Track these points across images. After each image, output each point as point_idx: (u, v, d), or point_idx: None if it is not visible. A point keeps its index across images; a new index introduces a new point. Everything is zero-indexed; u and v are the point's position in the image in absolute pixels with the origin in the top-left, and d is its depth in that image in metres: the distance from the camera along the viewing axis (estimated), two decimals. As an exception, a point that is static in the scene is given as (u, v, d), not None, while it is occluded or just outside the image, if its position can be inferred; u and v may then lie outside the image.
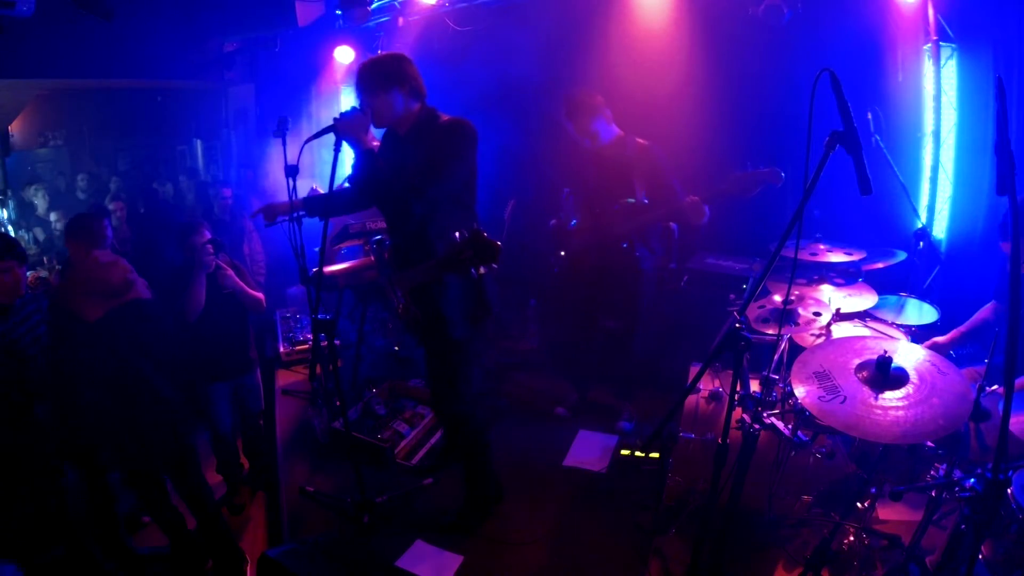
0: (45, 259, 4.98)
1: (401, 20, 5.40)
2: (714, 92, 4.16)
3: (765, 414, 2.34)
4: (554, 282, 3.67)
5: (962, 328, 2.89)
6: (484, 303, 2.58)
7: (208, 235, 3.31)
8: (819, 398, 2.07)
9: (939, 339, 2.91)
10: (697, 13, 4.24)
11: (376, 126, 2.46)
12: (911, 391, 2.02)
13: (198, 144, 7.98)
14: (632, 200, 3.19)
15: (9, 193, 6.42)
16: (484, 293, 2.58)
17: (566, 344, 3.78)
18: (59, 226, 5.94)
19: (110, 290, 2.84)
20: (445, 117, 2.46)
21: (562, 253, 3.54)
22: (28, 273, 3.35)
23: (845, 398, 2.04)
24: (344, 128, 2.28)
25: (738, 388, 2.16)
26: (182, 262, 3.31)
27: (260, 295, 3.50)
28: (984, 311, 2.88)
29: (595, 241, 3.32)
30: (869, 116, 3.49)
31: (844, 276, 3.26)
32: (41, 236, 6.13)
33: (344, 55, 5.74)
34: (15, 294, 2.62)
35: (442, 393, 2.69)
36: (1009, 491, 1.80)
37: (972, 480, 1.73)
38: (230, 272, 3.33)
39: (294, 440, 3.59)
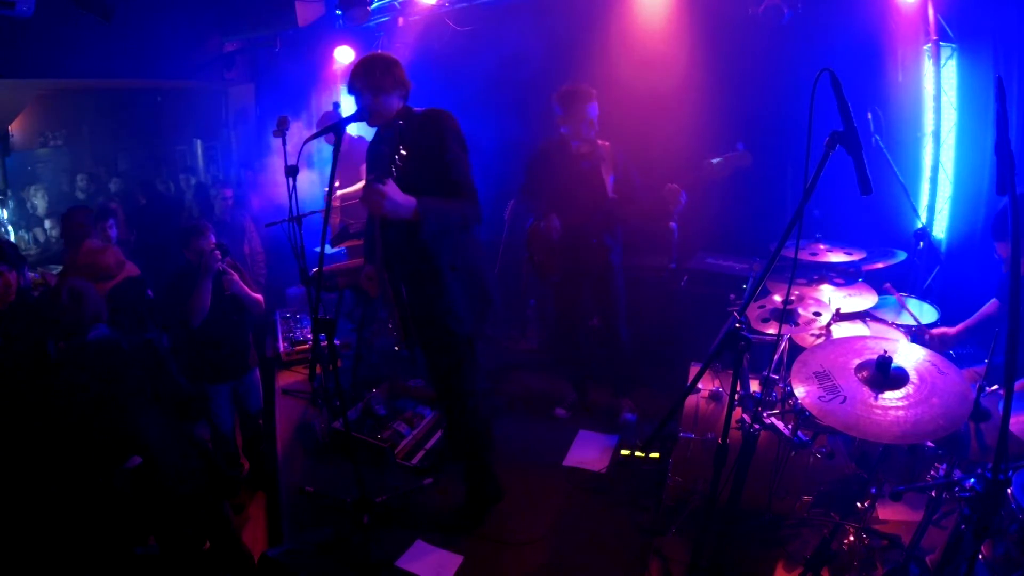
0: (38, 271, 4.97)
1: (401, 20, 5.40)
2: (714, 91, 4.16)
3: (765, 414, 2.34)
4: (545, 284, 3.70)
5: (968, 322, 2.92)
6: (485, 295, 2.59)
7: (213, 239, 3.32)
8: (819, 398, 2.06)
9: (948, 329, 2.93)
10: (697, 13, 4.24)
11: (370, 124, 2.47)
12: (911, 391, 2.02)
13: (198, 144, 7.98)
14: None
15: (9, 193, 6.42)
16: (484, 284, 2.59)
17: (560, 344, 3.80)
18: (54, 233, 5.96)
19: (105, 272, 3.26)
20: (418, 109, 2.47)
21: (532, 256, 3.56)
22: (29, 274, 3.34)
23: (845, 398, 2.04)
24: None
25: (738, 388, 2.16)
26: (185, 264, 3.31)
27: (259, 296, 3.51)
28: (988, 306, 2.90)
29: (562, 241, 3.33)
30: (869, 116, 3.49)
31: (844, 276, 3.26)
32: (41, 237, 6.14)
33: (344, 55, 5.74)
34: (4, 300, 2.61)
35: (446, 389, 2.69)
36: (1009, 491, 1.80)
37: (972, 480, 1.73)
38: (235, 277, 3.34)
39: (294, 440, 3.59)
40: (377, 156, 2.56)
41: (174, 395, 2.58)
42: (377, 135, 2.60)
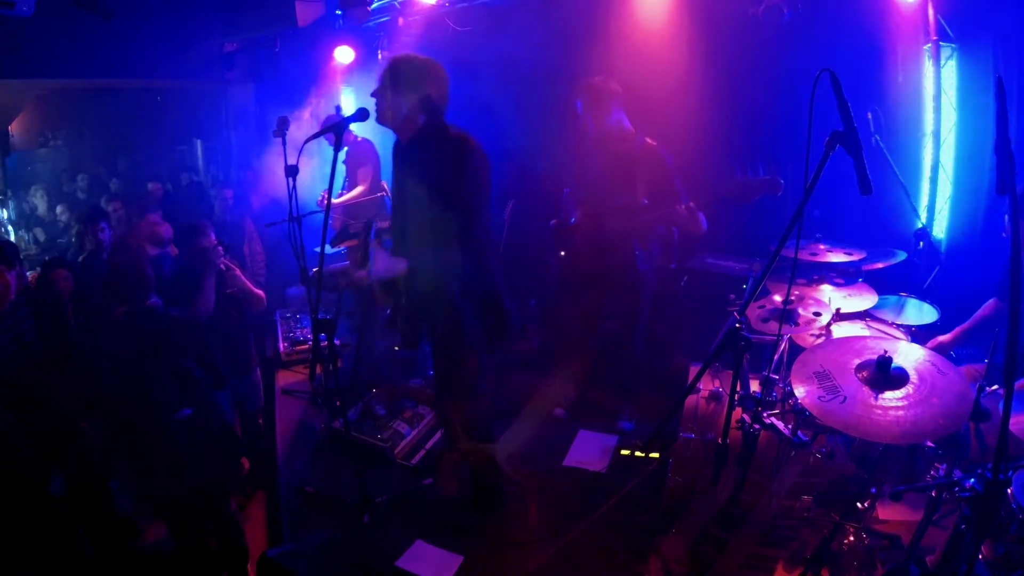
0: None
1: (401, 20, 5.40)
2: (713, 92, 4.16)
3: (765, 414, 2.35)
4: (554, 282, 3.67)
5: (964, 326, 2.90)
6: (500, 319, 2.54)
7: (213, 236, 3.32)
8: (819, 398, 2.07)
9: (943, 338, 2.91)
10: (697, 13, 4.24)
11: (377, 121, 2.44)
12: (911, 391, 2.02)
13: (198, 144, 7.99)
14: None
15: (9, 193, 6.43)
16: (500, 308, 2.53)
17: (566, 344, 3.78)
18: (63, 218, 6.00)
19: (161, 240, 3.61)
20: (454, 132, 2.38)
21: (562, 253, 3.53)
22: (29, 274, 3.35)
23: (845, 398, 2.04)
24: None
25: (738, 388, 2.16)
26: (186, 263, 3.32)
27: (261, 293, 3.53)
28: (986, 308, 2.89)
29: (592, 240, 3.31)
30: (869, 116, 3.49)
31: (844, 276, 3.26)
32: (42, 236, 6.15)
33: (344, 55, 5.75)
34: (3, 300, 2.62)
35: (447, 392, 2.68)
36: (1009, 491, 1.80)
37: (972, 480, 1.73)
38: (238, 272, 3.35)
39: (294, 440, 3.59)
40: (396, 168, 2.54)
41: (208, 365, 2.92)
42: (399, 148, 2.55)
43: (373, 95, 2.39)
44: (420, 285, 2.43)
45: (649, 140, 3.19)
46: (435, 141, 2.37)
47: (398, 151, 2.54)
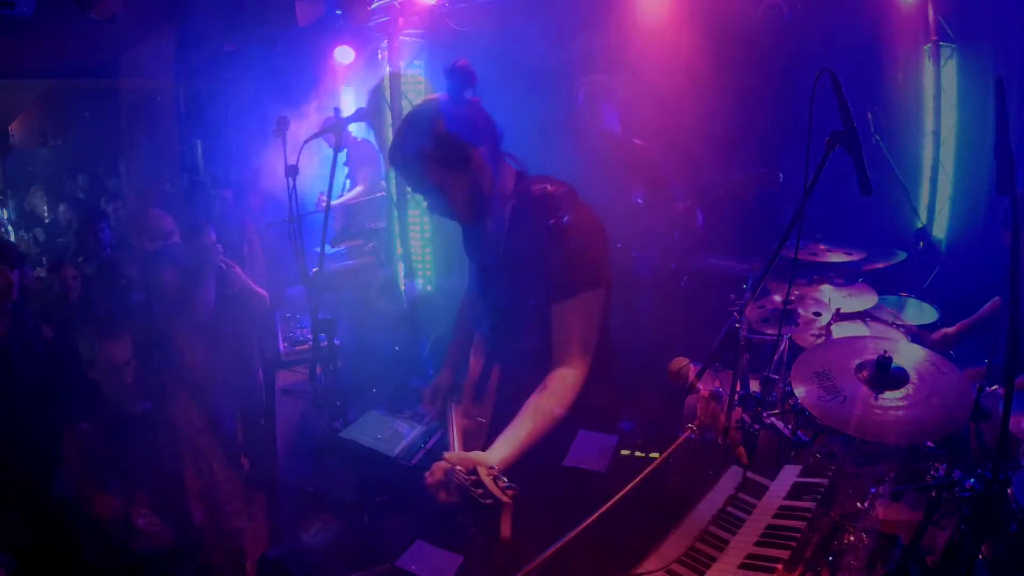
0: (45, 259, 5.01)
1: (401, 20, 5.39)
2: (713, 91, 4.14)
3: (765, 414, 2.35)
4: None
5: (969, 320, 2.92)
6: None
7: (214, 235, 3.33)
8: (819, 398, 2.07)
9: (948, 329, 2.93)
10: (696, 13, 4.24)
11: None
12: (911, 391, 2.02)
13: (198, 144, 7.99)
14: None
15: (9, 193, 6.44)
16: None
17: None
18: (64, 218, 6.01)
19: (162, 234, 3.67)
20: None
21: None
22: (31, 273, 3.36)
23: (845, 398, 2.04)
24: None
25: (738, 388, 2.16)
26: (186, 263, 3.32)
27: (264, 291, 3.53)
28: (992, 304, 2.90)
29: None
30: (869, 116, 3.49)
31: (844, 276, 3.26)
32: (42, 236, 6.15)
33: (344, 55, 5.74)
34: (6, 299, 2.63)
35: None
36: (1009, 491, 1.80)
37: (972, 480, 1.73)
38: (239, 271, 3.35)
39: (294, 440, 3.59)
40: None
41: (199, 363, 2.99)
42: None
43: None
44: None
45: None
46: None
47: None
